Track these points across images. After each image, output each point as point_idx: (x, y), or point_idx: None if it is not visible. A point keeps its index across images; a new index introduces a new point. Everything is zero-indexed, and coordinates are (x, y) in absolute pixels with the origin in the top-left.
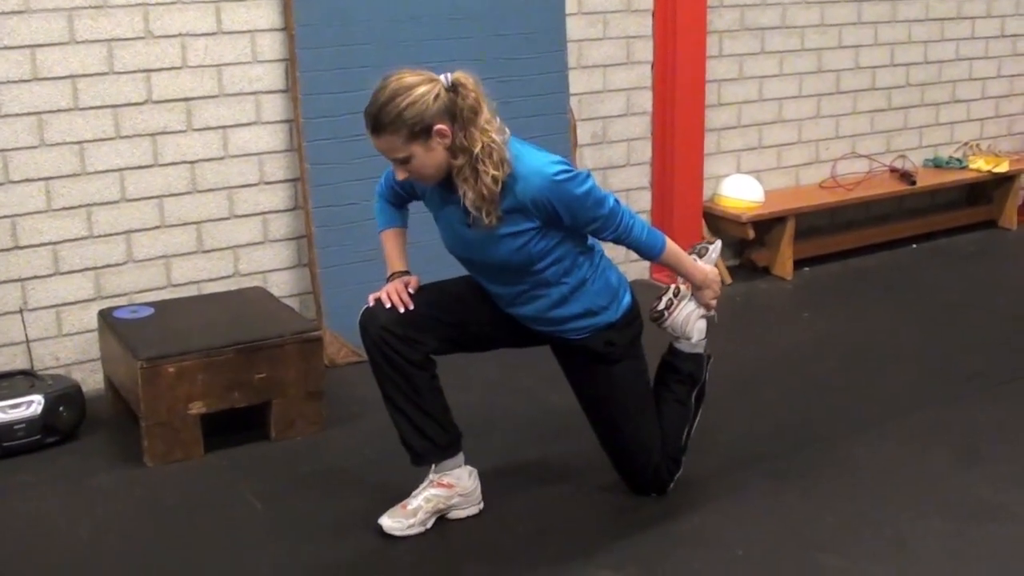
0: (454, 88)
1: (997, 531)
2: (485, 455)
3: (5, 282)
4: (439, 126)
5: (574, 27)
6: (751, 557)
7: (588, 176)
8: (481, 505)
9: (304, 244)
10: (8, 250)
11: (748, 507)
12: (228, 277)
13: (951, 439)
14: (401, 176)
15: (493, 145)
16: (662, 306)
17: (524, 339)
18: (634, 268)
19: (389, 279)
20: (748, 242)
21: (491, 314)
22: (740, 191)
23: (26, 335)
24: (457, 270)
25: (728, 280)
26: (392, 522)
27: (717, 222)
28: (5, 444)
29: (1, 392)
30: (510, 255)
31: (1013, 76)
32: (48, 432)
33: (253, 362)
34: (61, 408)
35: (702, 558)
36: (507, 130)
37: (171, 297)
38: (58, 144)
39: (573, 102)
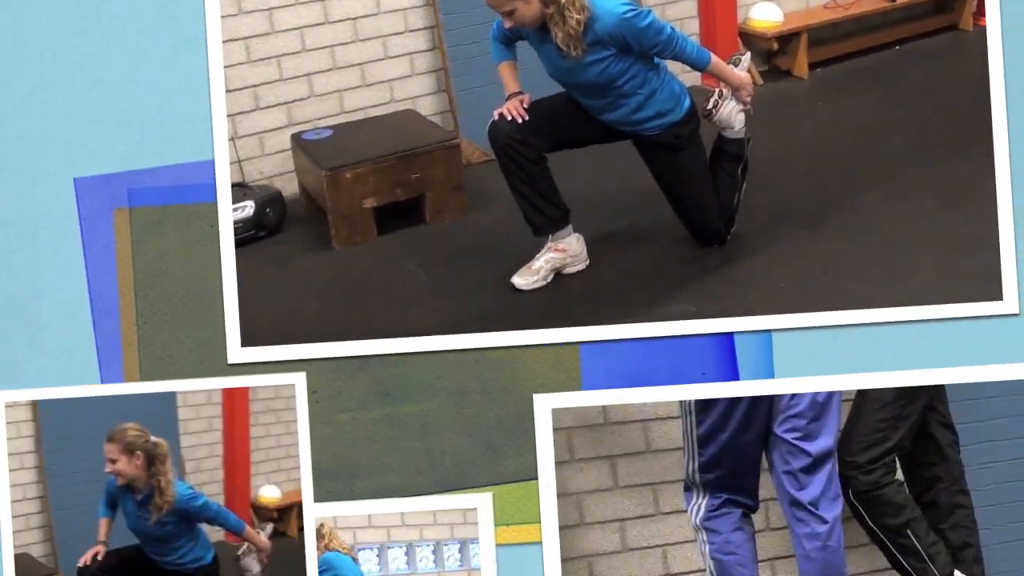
0: None
1: (974, 261)
2: (588, 224)
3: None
4: None
5: None
6: (791, 288)
7: (649, 12)
8: (587, 262)
9: (442, 75)
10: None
11: (786, 251)
12: (386, 104)
13: (937, 190)
14: (508, 24)
15: None
16: (710, 105)
17: (612, 137)
18: (688, 78)
19: (507, 99)
20: (773, 52)
21: (585, 120)
22: (765, 14)
23: (238, 156)
24: (557, 88)
25: (760, 81)
26: (521, 280)
27: (749, 39)
28: None
29: None
30: (595, 76)
31: None
32: (259, 228)
33: (409, 165)
34: (268, 210)
35: (755, 292)
36: None
37: (344, 121)
38: (252, 12)
39: None
